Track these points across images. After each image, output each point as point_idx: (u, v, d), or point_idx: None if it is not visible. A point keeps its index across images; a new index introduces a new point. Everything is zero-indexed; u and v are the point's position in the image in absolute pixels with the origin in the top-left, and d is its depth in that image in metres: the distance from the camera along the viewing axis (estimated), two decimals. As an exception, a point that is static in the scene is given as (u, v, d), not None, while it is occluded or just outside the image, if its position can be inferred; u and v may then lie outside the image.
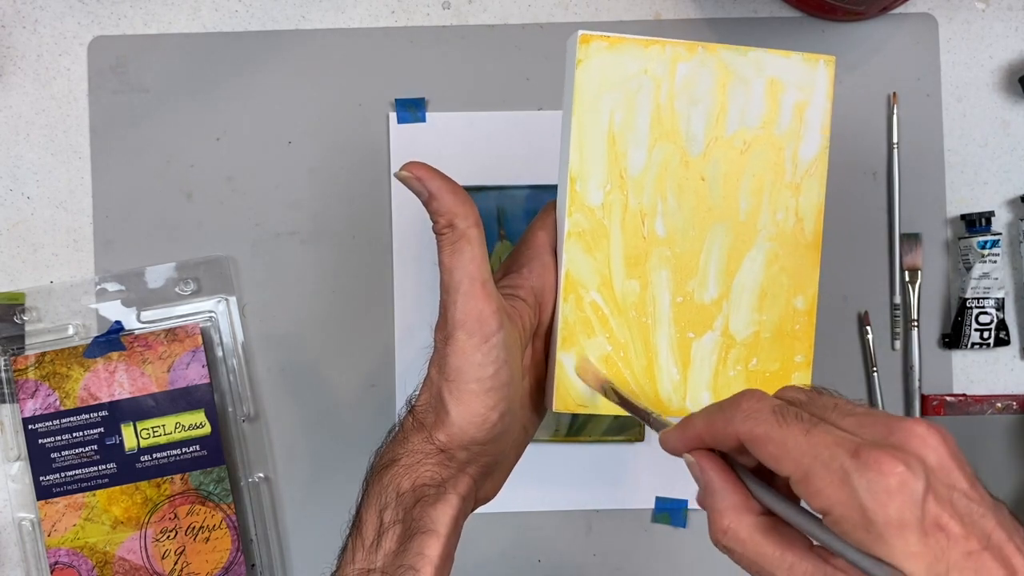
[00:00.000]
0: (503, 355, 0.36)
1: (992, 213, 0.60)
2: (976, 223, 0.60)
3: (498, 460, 0.39)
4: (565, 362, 0.40)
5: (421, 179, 0.36)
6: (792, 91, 0.40)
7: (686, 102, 0.40)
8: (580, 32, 0.39)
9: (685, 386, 0.40)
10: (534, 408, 0.41)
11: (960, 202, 0.62)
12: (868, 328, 0.60)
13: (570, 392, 0.40)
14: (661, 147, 0.40)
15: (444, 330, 0.36)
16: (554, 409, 0.40)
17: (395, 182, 0.60)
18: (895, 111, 0.61)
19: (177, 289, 0.60)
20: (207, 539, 0.58)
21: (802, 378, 0.41)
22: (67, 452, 0.58)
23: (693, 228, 0.40)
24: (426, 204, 0.37)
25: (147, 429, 0.58)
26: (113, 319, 0.59)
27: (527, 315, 0.39)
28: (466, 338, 0.36)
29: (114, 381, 0.58)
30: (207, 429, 0.58)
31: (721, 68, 0.40)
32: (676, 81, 0.39)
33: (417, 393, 0.38)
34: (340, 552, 0.37)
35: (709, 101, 0.40)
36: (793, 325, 0.41)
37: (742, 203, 0.40)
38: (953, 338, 0.60)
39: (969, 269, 0.59)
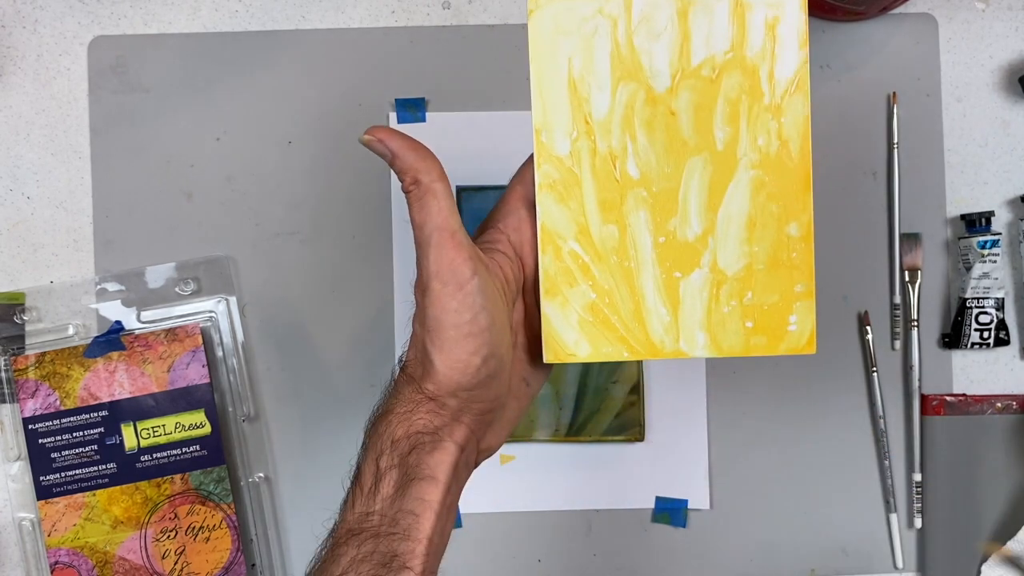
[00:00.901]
0: (480, 301, 0.36)
1: (992, 213, 0.60)
2: (976, 223, 0.60)
3: (493, 408, 0.39)
4: (550, 313, 0.39)
5: (383, 140, 0.37)
6: (760, 8, 0.38)
7: (646, 36, 0.38)
8: None
9: (677, 327, 0.39)
10: (533, 363, 0.41)
11: (960, 202, 0.62)
12: (868, 328, 0.60)
13: (558, 342, 0.40)
14: (624, 87, 0.39)
15: (420, 284, 0.37)
16: (545, 360, 0.40)
17: (395, 182, 0.60)
18: (895, 111, 0.61)
19: (177, 289, 0.60)
20: (207, 539, 0.58)
21: (805, 308, 0.39)
22: (67, 452, 0.58)
23: (668, 165, 0.39)
24: (391, 164, 0.37)
25: (147, 429, 0.58)
26: (113, 319, 0.59)
27: (508, 268, 0.39)
28: (440, 287, 0.36)
29: (114, 381, 0.58)
30: (207, 429, 0.58)
31: None
32: (633, 17, 0.38)
33: (406, 350, 0.39)
34: (342, 503, 0.38)
35: (671, 32, 0.38)
36: (789, 254, 0.39)
37: (718, 132, 0.39)
38: (953, 338, 0.60)
39: (969, 269, 0.59)
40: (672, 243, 0.39)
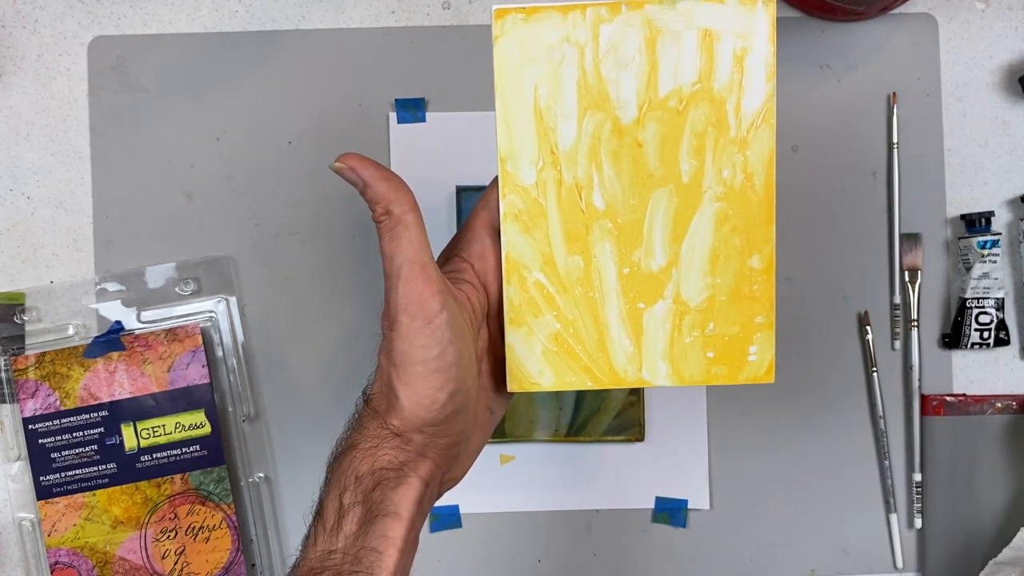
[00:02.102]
0: (448, 335, 0.36)
1: (992, 213, 0.60)
2: (976, 223, 0.60)
3: (459, 441, 0.39)
4: (515, 343, 0.40)
5: (354, 169, 0.36)
6: (729, 39, 0.38)
7: (613, 66, 0.38)
8: (495, 7, 0.38)
9: (640, 357, 0.40)
10: (497, 389, 0.41)
11: (960, 202, 0.62)
12: (868, 328, 0.60)
13: (523, 372, 0.40)
14: (591, 117, 0.38)
15: (388, 316, 0.37)
16: (509, 389, 0.40)
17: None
18: (895, 111, 0.61)
19: (177, 289, 0.60)
20: (207, 539, 0.58)
21: (765, 339, 0.40)
22: (67, 452, 0.58)
23: (633, 197, 0.39)
24: (362, 193, 0.37)
25: (147, 429, 0.58)
26: (113, 319, 0.59)
27: (475, 297, 0.39)
28: (409, 321, 0.36)
29: (114, 381, 0.58)
30: (207, 429, 0.58)
31: (648, 25, 0.38)
32: (601, 45, 0.38)
33: (371, 382, 0.39)
34: (304, 539, 0.37)
35: (638, 62, 0.38)
36: (751, 286, 0.39)
37: (683, 165, 0.39)
38: (953, 338, 0.60)
39: (969, 269, 0.59)
40: (636, 274, 0.40)
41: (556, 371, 0.40)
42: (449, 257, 0.41)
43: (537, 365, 0.40)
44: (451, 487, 0.41)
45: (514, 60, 0.38)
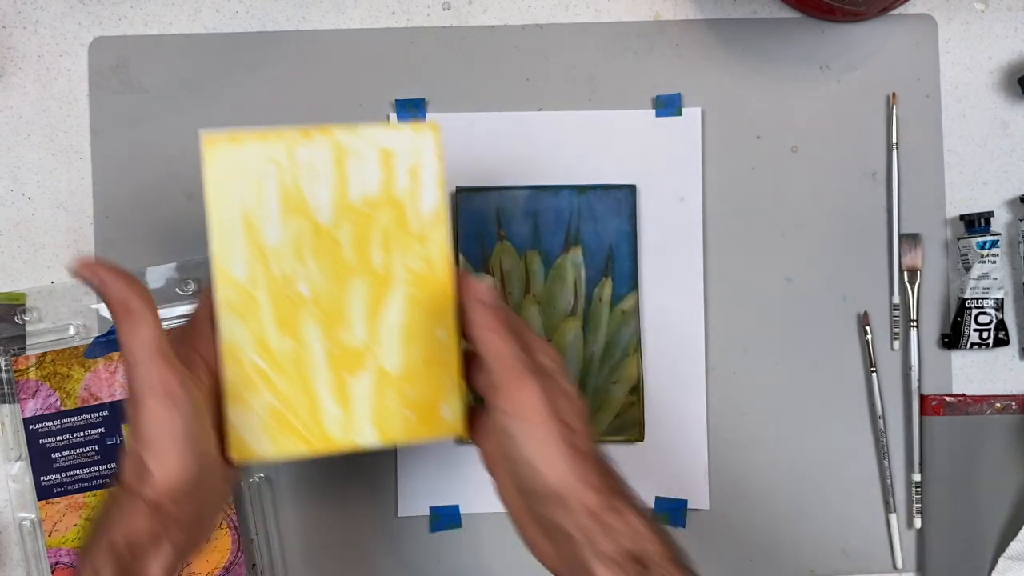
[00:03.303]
0: (189, 411, 0.41)
1: (991, 213, 0.60)
2: (975, 223, 0.60)
3: (204, 509, 0.43)
4: (235, 418, 0.44)
5: (93, 272, 0.41)
6: (404, 157, 0.45)
7: (309, 179, 0.45)
8: (202, 134, 0.44)
9: (350, 422, 0.45)
10: (227, 461, 0.45)
11: (960, 202, 0.62)
12: (868, 328, 0.60)
13: (243, 443, 0.44)
14: (293, 220, 0.44)
15: (132, 398, 0.41)
16: (230, 456, 0.44)
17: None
18: (895, 111, 0.61)
19: (177, 289, 0.60)
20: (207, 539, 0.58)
21: (454, 398, 0.46)
22: (68, 452, 0.58)
23: (335, 285, 0.45)
24: (100, 292, 0.41)
25: (147, 429, 0.58)
26: (113, 319, 0.59)
27: (206, 379, 0.44)
28: (154, 401, 0.40)
29: (115, 381, 0.58)
30: (207, 429, 0.58)
31: (336, 147, 0.45)
32: (298, 163, 0.44)
33: (121, 462, 0.42)
34: None
35: (330, 175, 0.45)
36: (439, 354, 0.46)
37: (375, 257, 0.45)
38: (952, 338, 0.60)
39: (968, 269, 0.60)
40: (341, 351, 0.45)
41: (274, 441, 0.45)
42: (179, 345, 0.44)
43: (255, 436, 0.44)
44: (196, 553, 0.45)
45: (223, 176, 0.44)
